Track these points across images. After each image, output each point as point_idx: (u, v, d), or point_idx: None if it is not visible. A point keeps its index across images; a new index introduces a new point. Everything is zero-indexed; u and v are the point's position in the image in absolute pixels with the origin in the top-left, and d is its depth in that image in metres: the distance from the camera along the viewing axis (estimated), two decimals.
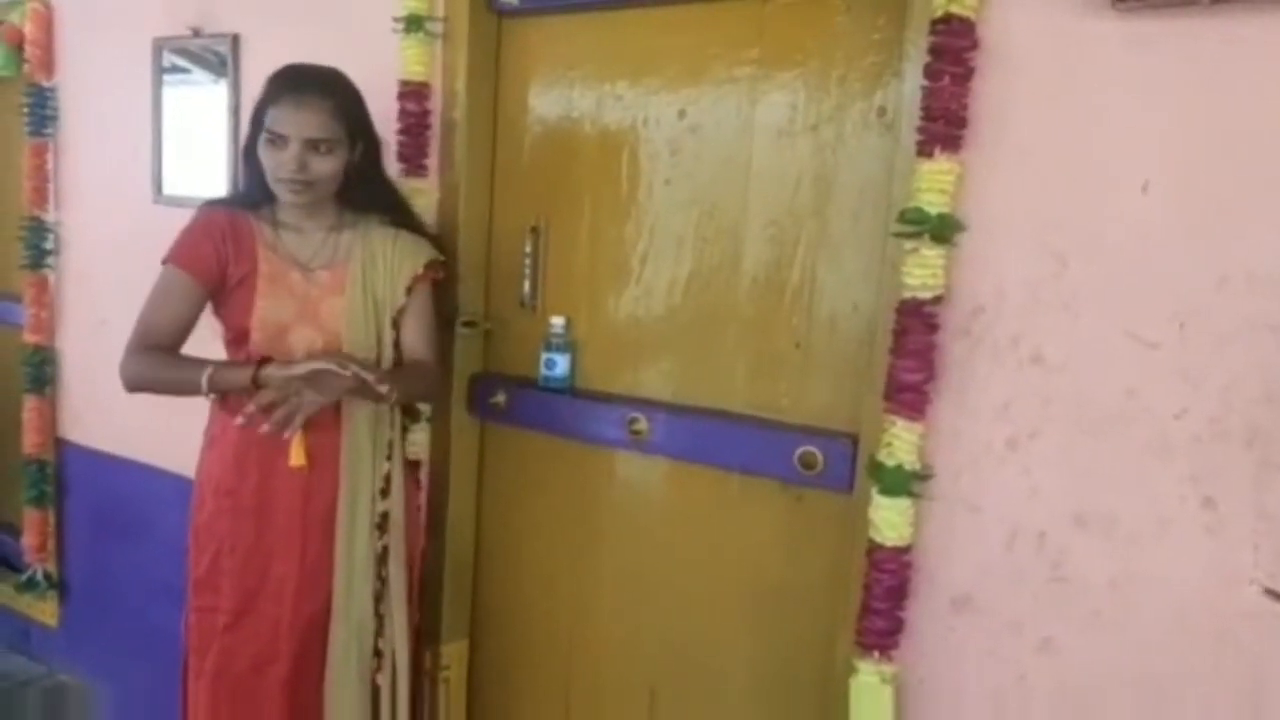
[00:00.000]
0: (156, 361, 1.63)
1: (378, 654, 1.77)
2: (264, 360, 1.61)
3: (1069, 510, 1.36)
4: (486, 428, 2.09)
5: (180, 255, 1.66)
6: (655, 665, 1.89)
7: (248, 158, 1.69)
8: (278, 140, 1.59)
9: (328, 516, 1.70)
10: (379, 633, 1.77)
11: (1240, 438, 1.24)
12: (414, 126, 1.95)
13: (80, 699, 2.38)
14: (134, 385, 1.65)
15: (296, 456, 1.65)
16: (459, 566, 2.09)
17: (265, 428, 1.49)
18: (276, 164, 1.61)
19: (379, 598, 1.76)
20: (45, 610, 2.93)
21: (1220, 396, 1.25)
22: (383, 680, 1.78)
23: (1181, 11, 1.23)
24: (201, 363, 1.61)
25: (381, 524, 1.76)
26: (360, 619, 1.74)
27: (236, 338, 1.69)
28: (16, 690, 2.88)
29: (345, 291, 1.69)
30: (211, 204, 1.75)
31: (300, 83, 1.61)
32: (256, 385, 1.57)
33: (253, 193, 1.71)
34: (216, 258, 1.65)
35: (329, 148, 1.62)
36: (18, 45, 2.72)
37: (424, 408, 2.00)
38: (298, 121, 1.58)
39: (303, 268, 1.70)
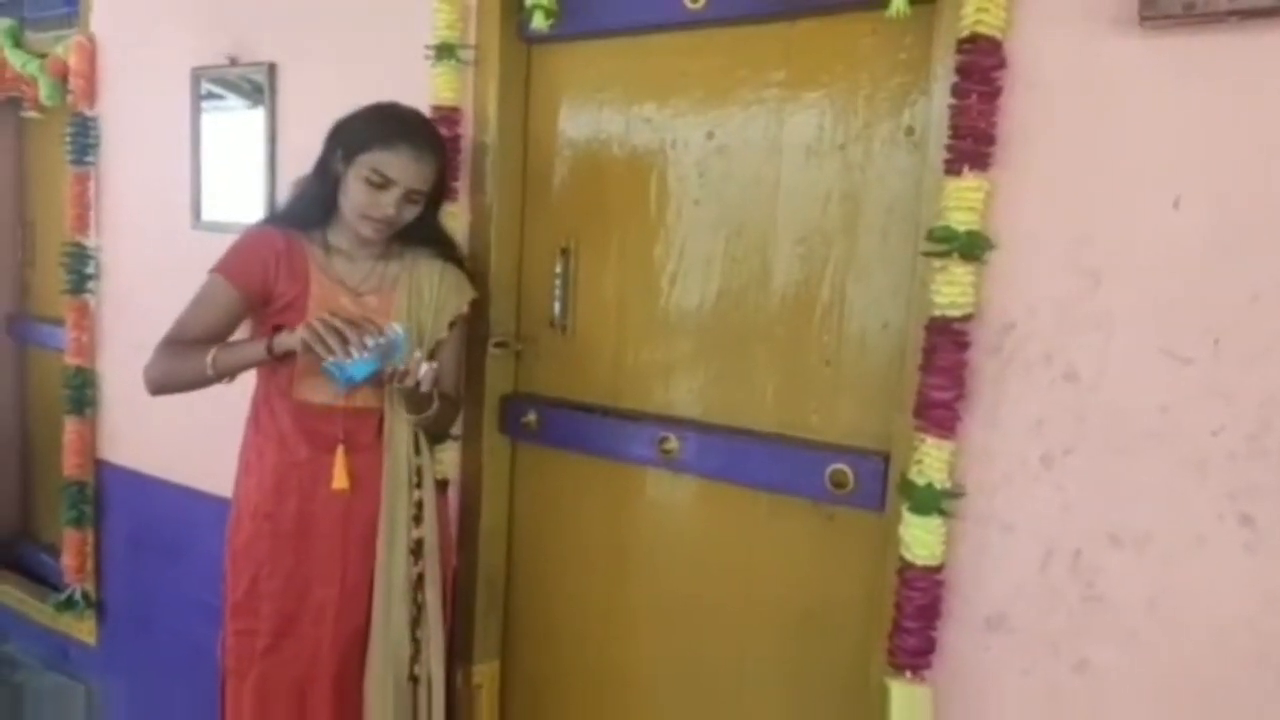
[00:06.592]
0: (167, 354, 1.65)
1: (413, 679, 1.77)
2: (275, 328, 1.61)
3: (1104, 528, 1.35)
4: (518, 447, 2.10)
5: (228, 266, 1.67)
6: (687, 684, 1.89)
7: (321, 178, 1.69)
8: (385, 183, 1.61)
9: (367, 539, 1.71)
10: (414, 658, 1.77)
11: (1279, 454, 1.23)
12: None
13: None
14: (152, 386, 1.67)
15: (339, 479, 1.68)
16: (491, 586, 2.10)
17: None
18: (372, 203, 1.63)
19: (415, 623, 1.77)
20: (84, 629, 2.97)
21: (1257, 413, 1.24)
22: (419, 705, 1.78)
23: (1209, 27, 1.23)
24: (204, 346, 1.62)
25: (416, 549, 1.77)
26: (397, 643, 1.74)
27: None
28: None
29: (391, 317, 1.70)
30: (267, 222, 1.76)
31: (419, 134, 1.65)
32: (272, 355, 1.59)
33: (312, 213, 1.72)
34: (263, 276, 1.66)
35: (420, 197, 1.67)
36: (62, 77, 2.81)
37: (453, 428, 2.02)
38: (412, 172, 1.62)
39: (352, 292, 1.71)
